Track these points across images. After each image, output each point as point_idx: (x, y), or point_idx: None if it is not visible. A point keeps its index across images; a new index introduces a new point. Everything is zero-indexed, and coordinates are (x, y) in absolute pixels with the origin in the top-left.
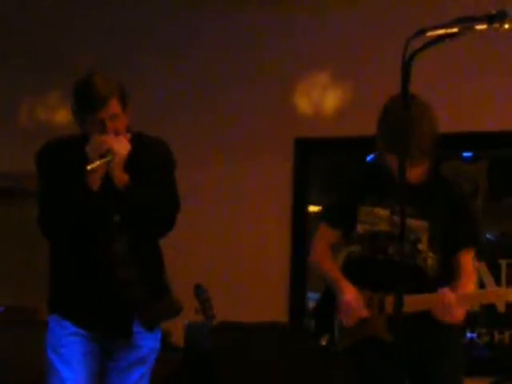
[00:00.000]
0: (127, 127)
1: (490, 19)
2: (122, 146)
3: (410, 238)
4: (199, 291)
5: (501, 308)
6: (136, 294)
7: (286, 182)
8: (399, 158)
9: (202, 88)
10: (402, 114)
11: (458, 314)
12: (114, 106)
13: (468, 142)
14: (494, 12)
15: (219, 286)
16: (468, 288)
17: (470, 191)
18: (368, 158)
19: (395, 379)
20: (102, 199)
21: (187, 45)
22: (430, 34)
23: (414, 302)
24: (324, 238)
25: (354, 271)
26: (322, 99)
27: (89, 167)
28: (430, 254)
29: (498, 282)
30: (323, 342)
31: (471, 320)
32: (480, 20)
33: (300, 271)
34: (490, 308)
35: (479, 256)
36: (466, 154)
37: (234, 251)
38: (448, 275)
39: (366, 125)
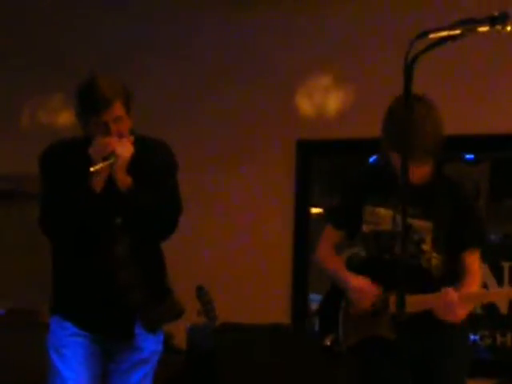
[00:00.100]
0: (130, 130)
1: (492, 21)
2: (125, 149)
3: (413, 239)
4: (201, 293)
5: (503, 309)
6: (137, 297)
7: (289, 184)
8: (402, 157)
9: (204, 89)
10: (404, 118)
11: (461, 314)
12: (118, 109)
13: (470, 144)
14: (496, 14)
15: (221, 288)
16: (472, 287)
17: (473, 193)
18: (371, 160)
19: (398, 379)
20: (104, 201)
21: (187, 46)
22: (432, 36)
23: (417, 302)
24: (329, 239)
25: (358, 271)
26: (324, 101)
27: (92, 169)
28: (434, 255)
29: (500, 284)
30: (327, 342)
31: (473, 322)
32: (482, 22)
33: (302, 273)
34: (492, 310)
35: (482, 258)
36: (467, 156)
37: (236, 253)
38: (453, 275)
39: (368, 127)
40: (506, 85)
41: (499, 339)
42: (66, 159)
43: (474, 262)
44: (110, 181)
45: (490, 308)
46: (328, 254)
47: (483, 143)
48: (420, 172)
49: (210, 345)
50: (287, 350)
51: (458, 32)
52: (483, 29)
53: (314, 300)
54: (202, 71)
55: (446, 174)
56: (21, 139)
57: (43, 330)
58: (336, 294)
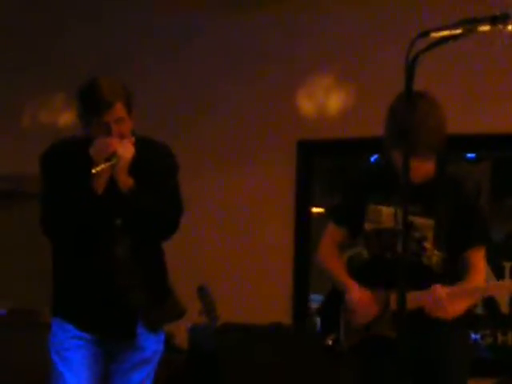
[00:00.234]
0: (131, 131)
1: (493, 21)
2: (126, 150)
3: (415, 236)
4: (202, 293)
5: (504, 308)
6: (138, 297)
7: (289, 184)
8: (404, 154)
9: (204, 90)
10: (408, 112)
11: (451, 310)
12: (119, 110)
13: (471, 143)
14: (497, 13)
15: (223, 288)
16: (471, 285)
17: (476, 191)
18: (372, 159)
19: (398, 378)
20: (106, 203)
21: (188, 46)
22: (433, 35)
23: (408, 300)
24: (330, 237)
25: (360, 269)
26: (325, 101)
27: (93, 171)
28: (435, 252)
29: None
30: (329, 342)
31: (474, 321)
32: (483, 21)
33: (303, 273)
34: (493, 309)
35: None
36: (468, 156)
37: (237, 253)
38: (455, 273)
39: (369, 127)
40: (507, 84)
41: (500, 338)
42: (67, 159)
43: (479, 260)
44: (112, 182)
45: (491, 307)
46: (329, 254)
47: (484, 142)
48: (422, 170)
49: (212, 345)
50: (288, 349)
51: (459, 31)
52: (484, 28)
53: (315, 300)
54: (202, 71)
55: (449, 172)
56: (21, 139)
57: (44, 330)
58: (337, 294)
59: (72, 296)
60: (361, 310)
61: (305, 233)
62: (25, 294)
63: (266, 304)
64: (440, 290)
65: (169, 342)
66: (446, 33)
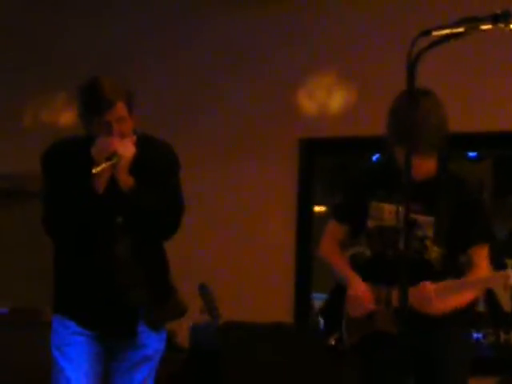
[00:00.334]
0: (133, 130)
1: (494, 19)
2: (127, 149)
3: (417, 234)
4: (204, 291)
5: (507, 307)
6: (138, 296)
7: (291, 183)
8: (406, 150)
9: (206, 88)
10: (410, 110)
11: (440, 306)
12: (121, 109)
13: (473, 141)
14: (498, 12)
15: (224, 286)
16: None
17: (478, 189)
18: (374, 158)
19: (399, 374)
20: (106, 202)
21: (188, 46)
22: (435, 33)
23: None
24: (332, 234)
25: (362, 267)
26: (326, 100)
27: (94, 170)
28: (435, 248)
29: None
30: (332, 341)
31: (477, 320)
32: (485, 20)
33: (305, 271)
34: (495, 308)
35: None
36: (470, 154)
37: (239, 251)
38: (456, 270)
39: (371, 125)
40: (508, 82)
41: (503, 337)
42: (68, 158)
43: (481, 257)
44: (112, 181)
45: (493, 305)
46: (331, 249)
47: (486, 140)
48: (424, 167)
49: (213, 343)
50: (290, 348)
51: (460, 30)
52: (486, 27)
53: (317, 299)
54: (203, 70)
55: (451, 170)
56: (23, 138)
57: (46, 329)
58: (340, 292)
59: (73, 294)
60: (358, 304)
61: (307, 231)
62: (26, 293)
63: (267, 303)
64: (428, 287)
65: (170, 340)
66: (447, 31)
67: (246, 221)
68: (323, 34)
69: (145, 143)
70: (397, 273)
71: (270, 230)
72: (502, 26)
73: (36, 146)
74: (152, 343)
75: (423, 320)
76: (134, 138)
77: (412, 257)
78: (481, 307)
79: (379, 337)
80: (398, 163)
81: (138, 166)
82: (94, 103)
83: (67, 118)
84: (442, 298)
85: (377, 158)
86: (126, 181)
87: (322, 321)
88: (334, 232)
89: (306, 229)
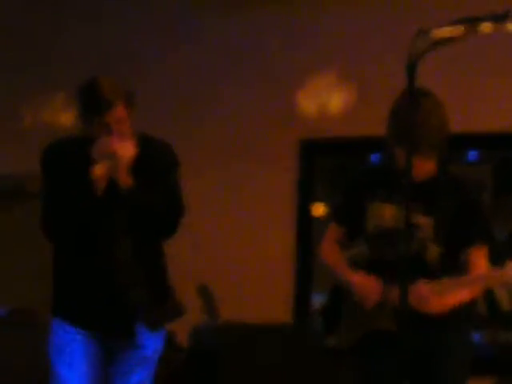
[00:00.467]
0: (133, 130)
1: (494, 19)
2: (127, 150)
3: (417, 236)
4: (204, 292)
5: (506, 307)
6: (138, 296)
7: (291, 183)
8: (407, 151)
9: (205, 89)
10: (410, 111)
11: (436, 305)
12: (120, 110)
13: (474, 141)
14: (498, 12)
15: (224, 287)
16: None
17: (478, 190)
18: (373, 158)
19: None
20: (106, 203)
21: (188, 46)
22: (435, 33)
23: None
24: (332, 236)
25: (361, 268)
26: (326, 100)
27: (93, 171)
28: (435, 248)
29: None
30: (331, 342)
31: (476, 319)
32: (485, 20)
33: (305, 272)
34: (494, 307)
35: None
36: (471, 154)
37: (238, 252)
38: (455, 270)
39: (371, 126)
40: (509, 83)
41: (502, 336)
42: (67, 158)
43: (479, 258)
44: (112, 182)
45: (493, 305)
46: (330, 250)
47: (487, 141)
48: (424, 168)
49: (212, 343)
50: (289, 349)
51: (460, 30)
52: (486, 27)
53: (317, 299)
54: (203, 71)
55: (451, 171)
56: (23, 138)
57: (44, 330)
58: (339, 293)
59: (72, 295)
60: (366, 288)
61: (307, 232)
62: (25, 294)
63: (267, 303)
64: (423, 286)
65: (169, 340)
66: (447, 31)
67: (246, 221)
68: (323, 35)
69: (144, 143)
70: (395, 272)
71: (270, 230)
72: (501, 25)
73: (36, 147)
74: (151, 344)
75: (422, 319)
76: (134, 138)
77: (411, 257)
78: (480, 307)
79: (378, 336)
80: (398, 164)
81: (137, 166)
82: (93, 104)
83: (67, 118)
84: (440, 296)
85: (377, 159)
86: (126, 181)
87: (321, 321)
88: (334, 234)
89: (307, 229)
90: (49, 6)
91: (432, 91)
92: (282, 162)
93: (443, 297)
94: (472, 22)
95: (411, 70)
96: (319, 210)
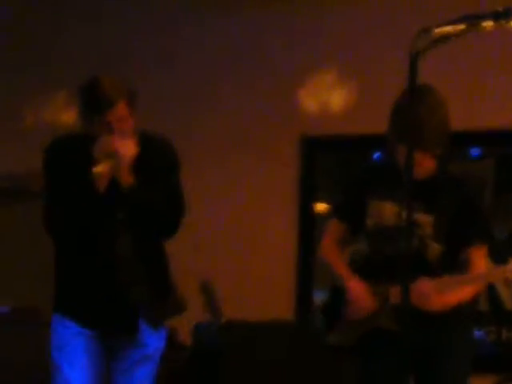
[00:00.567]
0: (134, 129)
1: (496, 17)
2: (128, 148)
3: (417, 233)
4: (206, 289)
5: (509, 305)
6: (139, 293)
7: (293, 180)
8: (408, 148)
9: (206, 86)
10: (413, 108)
11: (438, 303)
12: (122, 109)
13: (475, 139)
14: (500, 9)
15: (225, 285)
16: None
17: (478, 189)
18: (375, 156)
19: (400, 373)
20: (107, 202)
21: (189, 46)
22: (436, 31)
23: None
24: (332, 233)
25: (361, 264)
26: (328, 97)
27: (95, 170)
28: (435, 246)
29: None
30: (332, 339)
31: (479, 317)
32: (486, 17)
33: (306, 269)
34: (497, 305)
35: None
36: (473, 152)
37: (240, 249)
38: (456, 268)
39: (372, 123)
40: (511, 80)
41: (504, 334)
42: (68, 156)
43: (479, 258)
44: (113, 180)
45: (495, 303)
46: (330, 249)
47: (489, 138)
48: (425, 165)
49: (215, 341)
50: (291, 346)
51: (461, 27)
52: (487, 24)
53: (319, 296)
54: (203, 69)
55: (451, 171)
56: (23, 138)
57: (46, 328)
58: (340, 290)
59: (74, 292)
60: (357, 301)
61: (308, 229)
62: (27, 292)
63: (269, 301)
64: (425, 284)
65: (172, 338)
66: (448, 29)
67: (248, 219)
68: (324, 33)
69: (145, 142)
70: (396, 270)
71: (272, 228)
72: (502, 23)
73: (37, 146)
74: (152, 342)
75: (424, 317)
76: (136, 137)
77: (411, 255)
78: (483, 305)
79: (379, 334)
80: (399, 161)
81: (138, 164)
82: (94, 102)
83: (67, 117)
84: (441, 294)
85: (378, 156)
86: (127, 180)
87: (322, 318)
88: (334, 231)
89: (308, 226)
90: (49, 6)
91: (434, 89)
92: (284, 159)
93: (444, 295)
94: (473, 19)
95: (413, 67)
96: (321, 207)
